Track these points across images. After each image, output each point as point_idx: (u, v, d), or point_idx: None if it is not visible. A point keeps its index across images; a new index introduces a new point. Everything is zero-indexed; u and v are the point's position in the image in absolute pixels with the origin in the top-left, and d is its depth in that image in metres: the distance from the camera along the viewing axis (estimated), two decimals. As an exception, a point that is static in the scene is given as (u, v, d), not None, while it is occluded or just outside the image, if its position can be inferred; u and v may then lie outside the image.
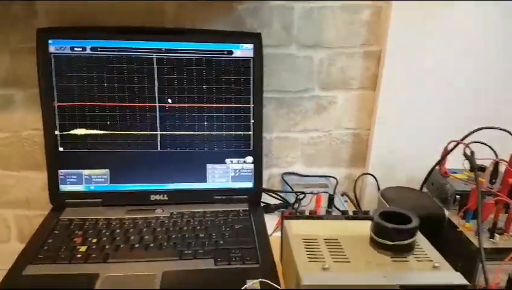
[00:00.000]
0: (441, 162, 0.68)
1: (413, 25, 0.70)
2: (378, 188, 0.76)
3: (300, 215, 0.55)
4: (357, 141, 0.81)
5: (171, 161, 0.67)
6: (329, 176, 0.82)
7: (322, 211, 0.67)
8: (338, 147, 0.81)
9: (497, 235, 0.59)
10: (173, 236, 0.59)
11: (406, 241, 0.47)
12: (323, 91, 0.77)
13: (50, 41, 0.62)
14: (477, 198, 0.57)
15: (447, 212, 0.64)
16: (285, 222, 0.53)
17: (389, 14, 0.70)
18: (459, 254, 0.56)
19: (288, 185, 0.77)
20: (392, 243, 0.48)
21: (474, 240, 0.55)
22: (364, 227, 0.51)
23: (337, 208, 0.68)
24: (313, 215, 0.55)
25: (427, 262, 0.48)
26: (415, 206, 0.64)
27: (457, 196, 0.65)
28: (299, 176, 0.81)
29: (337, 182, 0.80)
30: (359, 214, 0.56)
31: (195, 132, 0.67)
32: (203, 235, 0.59)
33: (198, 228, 0.61)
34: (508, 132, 0.63)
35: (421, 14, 0.69)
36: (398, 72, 0.73)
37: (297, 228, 0.52)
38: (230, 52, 0.66)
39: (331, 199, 0.67)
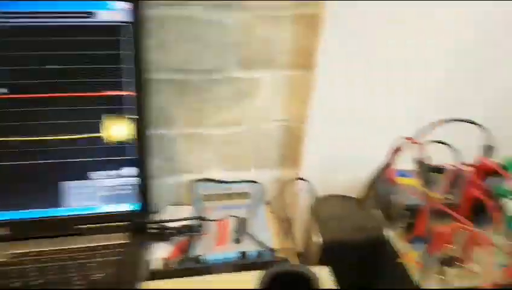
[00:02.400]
0: (388, 165, 0.52)
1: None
2: (314, 197, 0.59)
3: (171, 271, 0.36)
4: (290, 136, 0.63)
5: (10, 179, 0.47)
6: (254, 181, 0.64)
7: (228, 240, 0.50)
8: (266, 144, 0.63)
9: (449, 270, 0.44)
10: (-7, 302, 0.40)
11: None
12: (243, 71, 0.58)
13: None
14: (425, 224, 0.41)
15: (390, 234, 0.48)
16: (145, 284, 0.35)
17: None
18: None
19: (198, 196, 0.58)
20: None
21: (419, 277, 0.42)
22: None
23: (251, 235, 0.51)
24: (194, 267, 0.37)
25: None
26: (349, 225, 0.49)
27: (407, 212, 0.50)
28: (215, 182, 0.63)
29: (262, 189, 0.62)
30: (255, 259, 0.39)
31: (43, 135, 0.47)
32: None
33: (37, 282, 0.42)
34: (475, 123, 0.47)
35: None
36: (342, 46, 0.54)
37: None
38: (92, 15, 0.45)
39: (242, 222, 0.50)
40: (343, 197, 0.55)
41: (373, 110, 0.58)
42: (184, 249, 0.49)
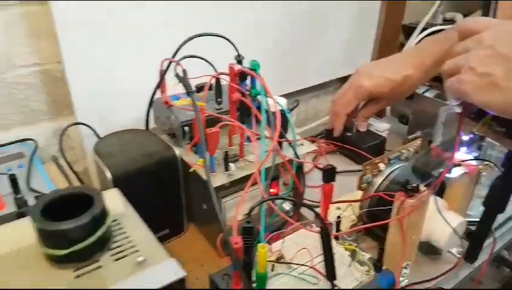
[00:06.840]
0: (159, 88, 0.54)
1: None
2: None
3: None
4: (51, 81, 0.58)
5: None
6: (26, 139, 0.58)
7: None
8: (24, 94, 0.57)
9: (232, 165, 0.51)
10: None
11: (88, 241, 0.32)
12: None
13: None
14: (198, 128, 0.46)
15: (178, 151, 0.52)
16: None
17: None
18: (203, 197, 0.51)
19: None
20: (67, 250, 0.32)
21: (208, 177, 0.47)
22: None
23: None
24: None
25: (131, 257, 0.34)
26: (139, 154, 0.51)
27: (186, 128, 0.55)
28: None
29: (36, 145, 0.57)
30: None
31: None
32: None
33: None
34: (221, 36, 0.53)
35: None
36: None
37: None
38: None
39: (14, 181, 0.46)
40: (128, 130, 0.55)
41: (137, 36, 0.58)
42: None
